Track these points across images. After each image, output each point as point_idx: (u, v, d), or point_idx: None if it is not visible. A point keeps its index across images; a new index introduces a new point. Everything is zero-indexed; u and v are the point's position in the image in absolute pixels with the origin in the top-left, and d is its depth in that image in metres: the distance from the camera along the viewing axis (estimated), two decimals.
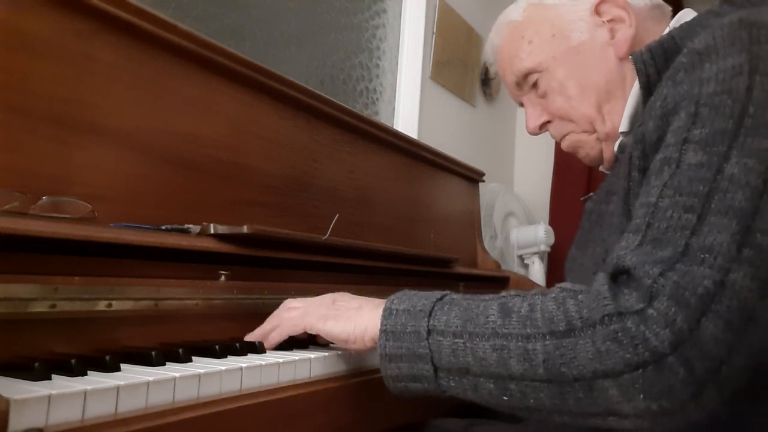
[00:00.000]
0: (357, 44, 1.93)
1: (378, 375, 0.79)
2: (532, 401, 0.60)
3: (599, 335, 0.56)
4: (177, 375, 0.55)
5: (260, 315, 0.81)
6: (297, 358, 0.71)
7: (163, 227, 0.81)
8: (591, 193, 0.91)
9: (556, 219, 2.65)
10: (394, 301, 0.69)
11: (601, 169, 0.95)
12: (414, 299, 0.68)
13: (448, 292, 0.69)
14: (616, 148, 0.86)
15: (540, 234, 2.29)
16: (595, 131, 0.89)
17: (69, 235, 0.64)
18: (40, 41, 0.74)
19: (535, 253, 2.33)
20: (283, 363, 0.68)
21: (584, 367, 0.56)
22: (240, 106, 1.02)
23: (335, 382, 0.73)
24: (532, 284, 1.79)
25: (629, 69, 0.83)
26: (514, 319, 0.61)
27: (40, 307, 0.61)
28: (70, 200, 0.73)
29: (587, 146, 0.91)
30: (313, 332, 0.75)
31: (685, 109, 0.63)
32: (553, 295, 0.62)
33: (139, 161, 0.85)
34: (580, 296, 0.60)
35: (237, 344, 0.72)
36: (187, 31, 0.91)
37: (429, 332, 0.64)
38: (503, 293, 0.66)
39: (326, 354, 0.75)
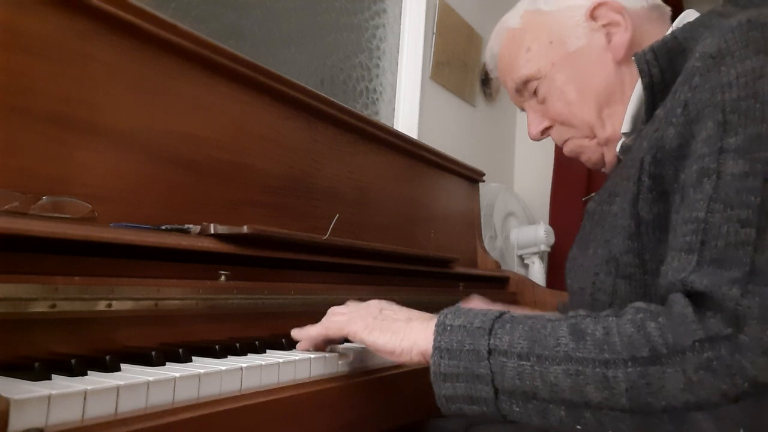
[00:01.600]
0: (357, 44, 1.93)
1: (378, 375, 0.79)
2: (610, 431, 0.56)
3: (690, 363, 0.52)
4: (177, 375, 0.55)
5: (260, 315, 0.81)
6: (297, 358, 0.71)
7: (163, 227, 0.81)
8: (593, 194, 0.91)
9: (556, 219, 2.65)
10: (448, 316, 0.65)
11: (603, 170, 0.95)
12: (470, 315, 0.65)
13: (507, 310, 0.66)
14: (618, 149, 0.86)
15: (540, 234, 2.29)
16: (595, 136, 0.88)
17: (69, 235, 0.64)
18: (40, 41, 0.74)
19: (535, 253, 2.33)
20: (283, 363, 0.68)
21: (674, 397, 0.53)
22: (240, 106, 1.02)
23: (335, 382, 0.73)
24: (533, 284, 1.79)
25: (627, 73, 0.83)
26: (589, 343, 0.57)
27: (40, 307, 0.61)
28: (70, 200, 0.73)
29: (588, 151, 0.91)
30: (356, 341, 0.73)
31: (712, 117, 0.61)
32: (629, 316, 0.58)
33: (139, 161, 0.85)
34: (660, 319, 0.56)
35: (237, 344, 0.72)
36: (187, 31, 0.91)
37: (490, 352, 0.60)
38: (571, 313, 0.62)
39: (326, 354, 0.75)
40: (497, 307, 1.25)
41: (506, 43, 0.95)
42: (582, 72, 0.87)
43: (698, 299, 0.56)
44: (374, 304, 0.76)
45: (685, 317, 0.55)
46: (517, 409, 0.60)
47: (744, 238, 0.56)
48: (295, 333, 0.78)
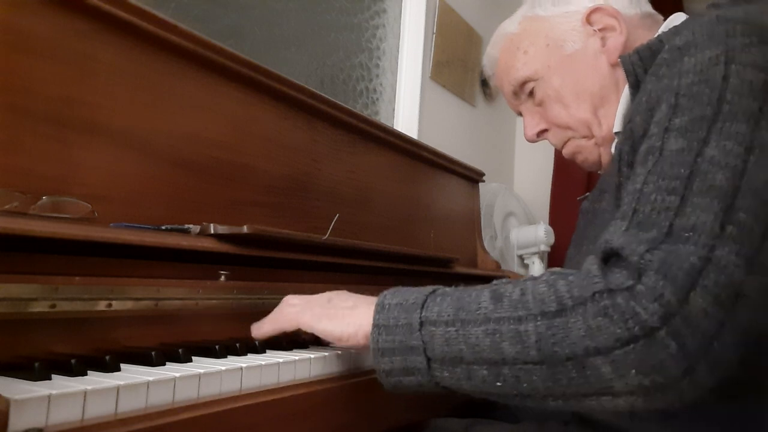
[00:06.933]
0: (357, 44, 1.93)
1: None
2: (525, 385, 0.60)
3: (590, 312, 0.57)
4: (177, 375, 0.55)
5: (260, 315, 0.81)
6: (297, 358, 0.71)
7: (163, 227, 0.81)
8: (587, 194, 0.92)
9: (556, 219, 2.65)
10: (387, 296, 0.69)
11: (599, 172, 0.96)
12: (407, 294, 0.69)
13: (441, 286, 0.69)
14: (613, 149, 0.88)
15: (540, 234, 2.29)
16: (593, 136, 0.91)
17: (69, 235, 0.64)
18: (40, 41, 0.74)
19: (535, 253, 2.33)
20: (283, 363, 0.68)
21: (576, 344, 0.57)
22: (240, 106, 1.02)
23: (335, 382, 0.73)
24: None
25: (621, 74, 0.86)
26: (505, 304, 0.61)
27: (40, 307, 0.61)
28: (70, 200, 0.73)
29: (586, 151, 0.94)
30: (308, 330, 0.75)
31: (666, 101, 0.66)
32: (545, 278, 0.63)
33: (139, 161, 0.85)
34: (570, 277, 0.61)
35: (237, 344, 0.72)
36: (187, 31, 0.91)
37: (421, 324, 0.64)
38: (495, 281, 0.67)
39: (326, 354, 0.75)
40: None
41: (504, 48, 0.98)
42: (577, 74, 0.90)
43: (612, 258, 0.61)
44: (325, 294, 0.79)
45: (589, 272, 0.60)
46: (447, 374, 0.64)
47: (668, 204, 0.60)
48: (254, 333, 0.78)
